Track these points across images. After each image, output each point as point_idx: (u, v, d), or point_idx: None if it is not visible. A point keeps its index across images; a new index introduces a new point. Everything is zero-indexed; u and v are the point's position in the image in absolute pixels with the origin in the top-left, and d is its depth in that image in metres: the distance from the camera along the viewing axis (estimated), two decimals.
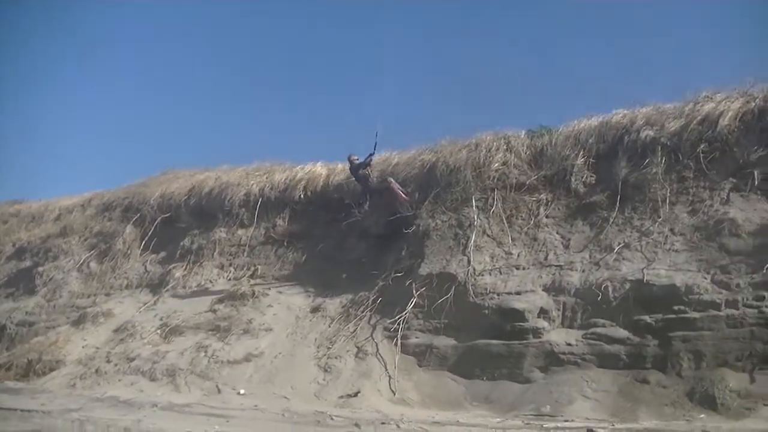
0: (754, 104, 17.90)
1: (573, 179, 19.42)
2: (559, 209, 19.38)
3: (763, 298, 14.84)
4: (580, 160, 19.55)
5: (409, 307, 19.10)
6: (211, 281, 24.75)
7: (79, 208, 31.43)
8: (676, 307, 15.55)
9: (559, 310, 17.18)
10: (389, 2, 72.56)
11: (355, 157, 22.69)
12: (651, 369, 15.32)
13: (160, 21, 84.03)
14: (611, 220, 18.25)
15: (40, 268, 29.20)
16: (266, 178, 26.34)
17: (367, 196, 22.88)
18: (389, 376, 18.03)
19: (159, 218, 27.45)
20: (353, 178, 23.24)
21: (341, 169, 24.77)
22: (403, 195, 21.78)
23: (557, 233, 18.96)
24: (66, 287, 27.65)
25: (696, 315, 15.28)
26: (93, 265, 28.02)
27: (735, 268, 15.69)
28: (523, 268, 18.54)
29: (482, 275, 18.78)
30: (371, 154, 22.42)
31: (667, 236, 17.16)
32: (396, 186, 21.88)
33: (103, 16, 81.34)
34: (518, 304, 17.43)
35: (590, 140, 19.76)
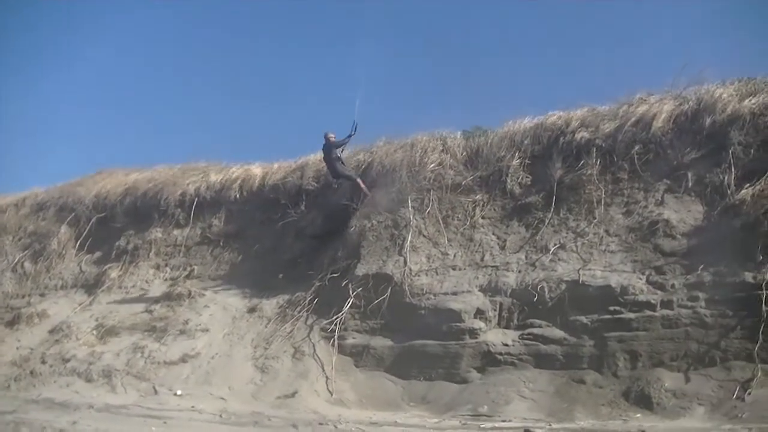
0: (687, 106, 18.18)
1: (509, 180, 19.51)
2: (494, 210, 19.47)
3: (698, 298, 15.04)
4: (515, 161, 19.67)
5: (346, 308, 19.10)
6: (147, 281, 24.57)
7: (13, 207, 30.94)
8: (611, 308, 15.73)
9: (495, 310, 17.27)
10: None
11: (332, 135, 21.80)
12: (587, 369, 15.49)
13: (88, 19, 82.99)
14: (547, 221, 18.34)
15: None
16: (202, 177, 26.19)
17: (335, 180, 22.58)
18: (326, 377, 18.00)
19: (94, 218, 27.17)
20: (323, 161, 22.38)
21: (277, 168, 24.73)
22: (368, 193, 21.63)
23: (493, 234, 19.05)
24: (0, 288, 27.30)
25: (631, 315, 15.47)
26: (27, 265, 27.69)
27: (670, 269, 15.87)
28: (460, 269, 18.59)
29: (418, 276, 18.81)
30: (350, 135, 21.64)
31: (602, 237, 17.35)
32: (364, 183, 21.70)
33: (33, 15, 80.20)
34: (454, 304, 17.52)
35: (525, 141, 19.87)
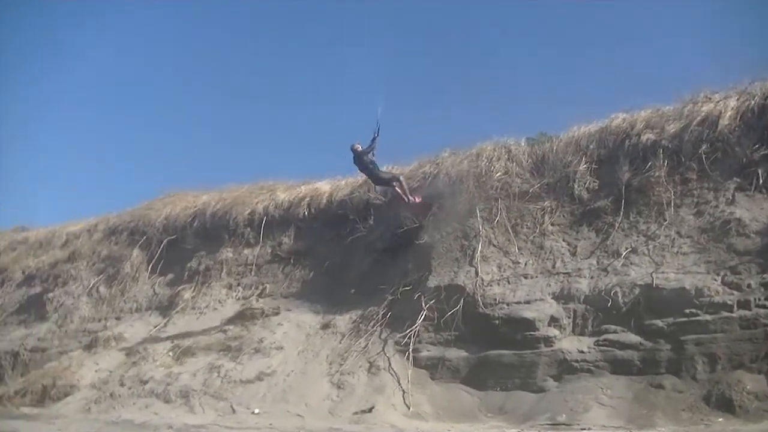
0: (752, 102, 17.85)
1: (576, 186, 19.38)
2: (563, 216, 19.36)
3: None
4: (582, 166, 19.51)
5: (419, 321, 19.11)
6: (219, 301, 24.79)
7: (86, 233, 31.44)
8: (687, 311, 15.52)
9: (569, 317, 17.17)
10: (387, 13, 72.25)
11: (358, 145, 21.88)
12: (665, 374, 15.29)
13: (157, 44, 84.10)
14: (617, 225, 18.21)
15: (50, 294, 29.28)
16: (270, 196, 26.37)
17: (376, 187, 22.90)
18: (402, 391, 18.05)
19: (165, 240, 27.47)
20: (363, 174, 22.62)
21: (344, 184, 24.79)
22: (407, 199, 21.62)
23: (563, 240, 18.95)
24: (76, 312, 27.75)
25: (708, 317, 15.25)
26: (102, 289, 28.09)
27: (745, 269, 15.65)
28: (531, 277, 18.52)
29: (490, 285, 18.77)
30: (374, 138, 21.70)
31: (674, 239, 17.17)
32: (403, 188, 21.64)
33: (100, 40, 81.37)
34: (528, 313, 17.44)
35: (591, 145, 19.72)
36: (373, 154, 21.77)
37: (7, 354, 27.08)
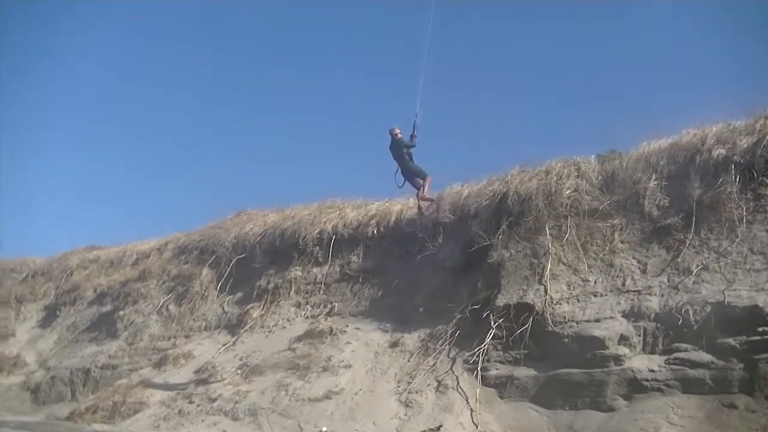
0: None
1: (646, 202, 19.16)
2: (633, 234, 19.13)
3: None
4: (652, 183, 19.28)
5: (488, 339, 18.97)
6: (288, 320, 24.84)
7: (156, 252, 31.89)
8: (760, 329, 15.19)
9: (639, 336, 16.92)
10: (453, 25, 72.44)
11: (398, 131, 22.59)
12: (738, 393, 14.96)
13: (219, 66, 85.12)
14: (687, 242, 17.94)
15: (121, 312, 29.62)
16: (339, 215, 26.50)
17: (404, 180, 23.08)
18: (471, 409, 17.94)
19: (234, 259, 27.66)
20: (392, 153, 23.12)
21: (413, 203, 24.65)
22: (420, 204, 22.43)
23: (633, 258, 18.73)
24: (146, 330, 28.01)
25: None
26: (172, 307, 28.35)
27: None
28: (601, 295, 18.33)
29: (560, 304, 18.61)
30: (413, 135, 22.36)
31: (746, 256, 16.85)
32: (424, 190, 22.41)
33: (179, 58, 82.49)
34: (598, 331, 17.25)
35: (661, 162, 19.48)
36: (411, 149, 22.54)
37: (79, 371, 27.46)
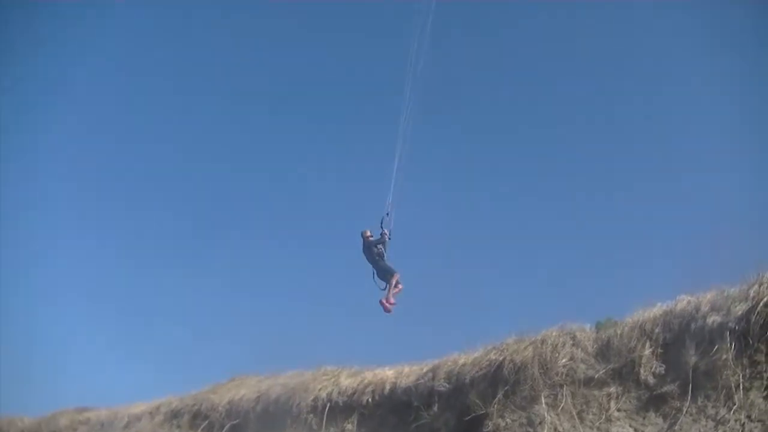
0: None
1: (642, 370, 19.14)
2: (630, 402, 19.05)
3: None
4: (647, 351, 19.30)
5: None
6: None
7: (148, 415, 31.62)
8: None
9: None
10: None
11: (369, 232, 22.50)
12: None
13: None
14: (684, 410, 17.84)
15: None
16: (333, 382, 26.36)
17: (377, 278, 22.47)
18: None
19: (228, 425, 27.49)
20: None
21: (408, 371, 24.72)
22: (385, 298, 21.69)
23: (630, 426, 18.64)
24: None
25: None
26: None
27: None
28: None
29: None
30: (382, 232, 22.23)
31: (744, 423, 16.78)
32: (391, 286, 21.82)
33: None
34: None
35: (656, 329, 19.55)
36: (384, 247, 22.35)
37: None
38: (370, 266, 22.42)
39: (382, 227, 22.18)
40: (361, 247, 22.51)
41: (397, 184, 21.78)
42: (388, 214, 22.09)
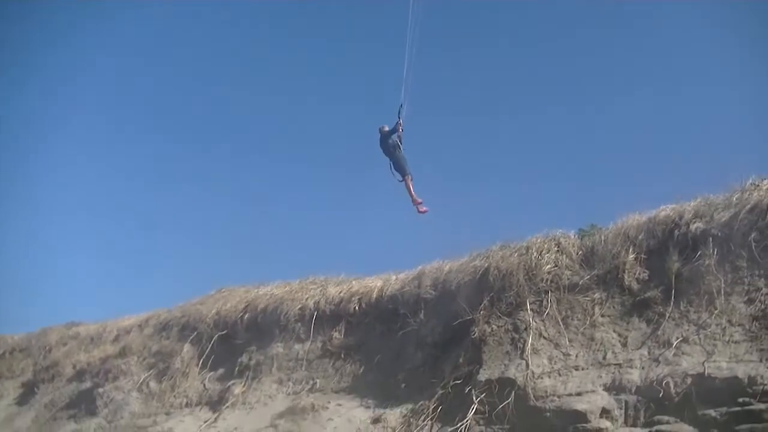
0: None
1: (626, 276, 19.29)
2: (614, 308, 19.23)
3: None
4: (631, 257, 19.45)
5: (470, 414, 18.94)
6: (270, 396, 24.68)
7: (137, 328, 31.66)
8: (740, 399, 15.31)
9: (621, 409, 17.00)
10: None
11: (385, 126, 22.82)
12: None
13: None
14: (667, 315, 18.05)
15: (100, 389, 29.24)
16: (320, 291, 26.45)
17: (393, 170, 23.04)
18: None
19: (216, 336, 27.52)
20: (387, 151, 23.14)
21: (395, 280, 24.87)
22: (412, 198, 22.65)
23: (614, 332, 18.80)
24: (127, 408, 27.73)
25: (762, 406, 15.01)
26: (152, 384, 28.10)
27: None
28: (582, 369, 18.37)
29: (541, 378, 18.63)
30: (398, 121, 22.41)
31: (725, 328, 16.97)
32: (410, 186, 22.64)
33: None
34: (580, 405, 17.30)
35: (640, 236, 19.67)
36: (399, 138, 22.67)
37: None
38: (387, 159, 22.84)
39: (399, 117, 22.31)
40: (378, 141, 22.82)
41: (410, 72, 21.81)
42: (402, 105, 22.13)
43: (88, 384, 30.49)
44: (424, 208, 22.36)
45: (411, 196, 22.52)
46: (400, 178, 22.91)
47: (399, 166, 22.74)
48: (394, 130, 22.50)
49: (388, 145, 22.61)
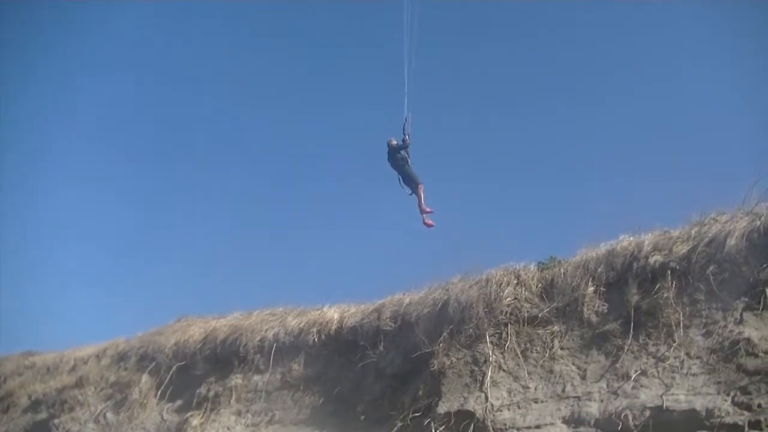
0: (759, 222, 17.98)
1: (585, 309, 19.34)
2: (573, 340, 19.28)
3: None
4: (590, 290, 19.50)
5: None
6: (228, 428, 24.55)
7: (94, 358, 31.35)
8: None
9: None
10: None
11: (393, 139, 23.04)
12: None
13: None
14: (626, 347, 18.09)
15: (56, 420, 29.03)
16: (279, 322, 26.29)
17: (403, 184, 23.39)
18: None
19: (174, 366, 27.33)
20: (391, 158, 23.41)
21: (355, 311, 24.80)
22: (420, 209, 22.85)
23: (573, 364, 18.84)
24: None
25: None
26: (110, 415, 27.87)
27: (755, 388, 15.54)
28: (541, 401, 18.40)
29: (500, 411, 18.66)
30: (403, 137, 22.73)
31: (683, 360, 17.05)
32: (421, 197, 22.75)
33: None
34: None
35: (599, 269, 19.74)
36: (407, 152, 22.93)
37: None
38: (395, 173, 23.18)
39: (404, 132, 22.66)
40: (386, 155, 23.08)
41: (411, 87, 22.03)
42: (406, 119, 22.46)
43: (44, 415, 30.24)
44: (430, 221, 22.48)
45: (420, 205, 22.81)
46: (410, 192, 23.28)
47: (409, 179, 23.05)
48: (402, 146, 22.80)
49: (396, 159, 22.91)
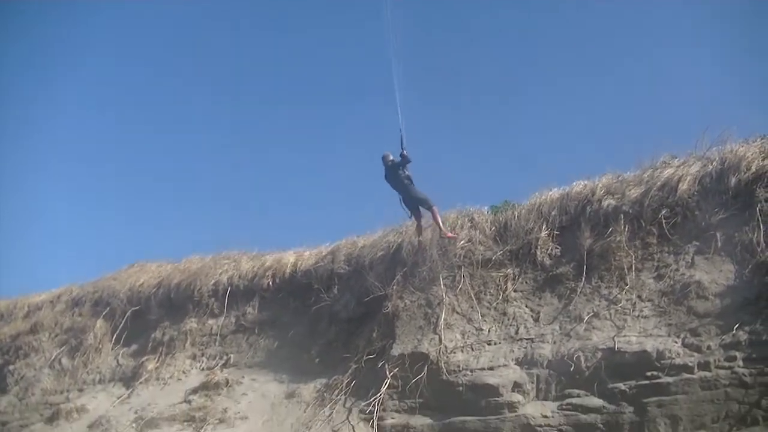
0: (711, 167, 18.20)
1: (538, 252, 19.53)
2: (526, 283, 19.44)
3: (735, 358, 14.91)
4: (544, 233, 19.70)
5: (383, 389, 19.01)
6: (184, 372, 24.48)
7: (49, 304, 31.03)
8: (649, 373, 15.62)
9: (533, 383, 17.17)
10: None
11: (390, 155, 21.45)
12: None
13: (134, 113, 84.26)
14: (579, 290, 18.33)
15: (11, 367, 28.75)
16: (234, 266, 26.28)
17: (407, 209, 21.75)
18: None
19: (129, 311, 27.16)
20: (388, 179, 21.77)
21: (309, 255, 24.84)
22: (441, 230, 20.94)
23: (526, 307, 19.00)
24: (38, 384, 27.22)
25: (669, 380, 15.32)
26: (65, 361, 27.66)
27: (705, 330, 15.76)
28: (495, 343, 18.53)
29: (454, 353, 18.75)
30: (402, 151, 21.12)
31: (635, 303, 17.29)
32: (437, 217, 21.02)
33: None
34: (491, 379, 17.45)
35: (553, 212, 19.95)
36: (408, 169, 21.44)
37: None
38: (396, 192, 21.71)
39: (402, 146, 21.28)
40: (383, 173, 21.67)
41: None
42: (401, 131, 21.22)
43: None
44: (452, 235, 21.36)
45: (440, 229, 21.02)
46: (410, 214, 21.76)
47: (416, 200, 21.45)
48: (402, 163, 21.28)
49: (398, 177, 21.31)
